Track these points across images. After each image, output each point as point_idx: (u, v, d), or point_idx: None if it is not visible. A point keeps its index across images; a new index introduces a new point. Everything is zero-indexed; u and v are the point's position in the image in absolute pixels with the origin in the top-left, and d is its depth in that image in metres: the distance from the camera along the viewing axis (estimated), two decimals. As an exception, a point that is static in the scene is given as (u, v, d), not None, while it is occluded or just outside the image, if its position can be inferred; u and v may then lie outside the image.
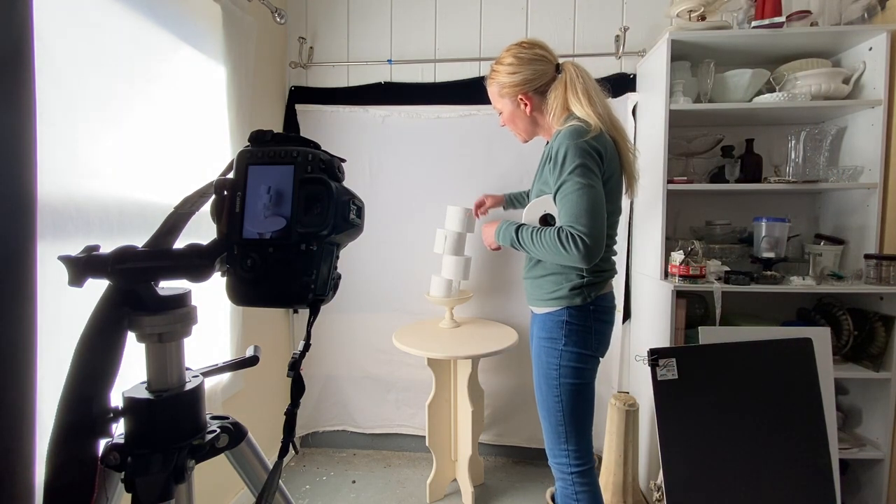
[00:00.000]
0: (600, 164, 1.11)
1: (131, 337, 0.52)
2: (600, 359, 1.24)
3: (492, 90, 1.29)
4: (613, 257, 1.28)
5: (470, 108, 2.05)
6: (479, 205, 1.75)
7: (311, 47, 2.13)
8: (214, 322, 1.56)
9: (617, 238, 1.28)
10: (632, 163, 1.24)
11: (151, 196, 1.24)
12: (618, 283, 1.98)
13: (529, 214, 1.24)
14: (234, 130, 1.60)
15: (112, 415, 0.50)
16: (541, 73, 1.21)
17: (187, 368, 0.57)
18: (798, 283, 1.60)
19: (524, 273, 1.33)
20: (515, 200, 1.72)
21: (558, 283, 1.20)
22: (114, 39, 1.15)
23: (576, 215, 1.06)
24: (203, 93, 1.50)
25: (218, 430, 0.57)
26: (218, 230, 0.52)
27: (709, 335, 1.48)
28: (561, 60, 1.25)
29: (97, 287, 0.51)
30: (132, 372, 0.57)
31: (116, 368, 0.50)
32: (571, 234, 1.05)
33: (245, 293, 0.51)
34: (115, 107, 1.15)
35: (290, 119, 2.13)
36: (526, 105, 1.24)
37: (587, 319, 1.19)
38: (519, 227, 1.19)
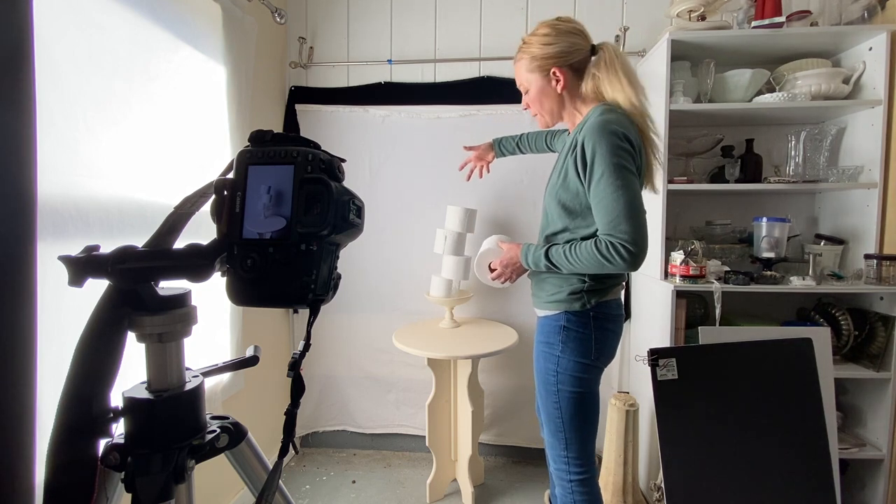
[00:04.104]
0: (634, 156, 1.05)
1: (131, 337, 0.52)
2: (603, 368, 1.19)
3: (520, 65, 1.18)
4: None
5: (470, 108, 2.05)
6: (476, 167, 1.67)
7: (311, 47, 2.13)
8: (214, 322, 1.56)
9: None
10: (654, 159, 1.17)
11: (151, 196, 1.24)
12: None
13: (480, 266, 1.38)
14: (234, 130, 1.60)
15: (112, 415, 0.50)
16: (577, 47, 1.12)
17: (187, 368, 0.57)
18: (798, 283, 1.60)
19: (529, 272, 1.28)
20: (504, 149, 1.62)
21: (558, 287, 1.15)
22: (113, 39, 1.15)
23: (612, 221, 1.01)
24: (203, 93, 1.50)
25: (218, 430, 0.57)
26: (218, 230, 0.52)
27: (709, 335, 1.48)
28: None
29: (97, 287, 0.51)
30: (132, 372, 0.57)
31: (116, 368, 0.50)
32: (612, 244, 1.01)
33: (245, 293, 0.51)
34: (115, 107, 1.15)
35: (290, 119, 2.13)
36: (558, 81, 1.13)
37: (587, 326, 1.14)
38: (548, 247, 1.13)
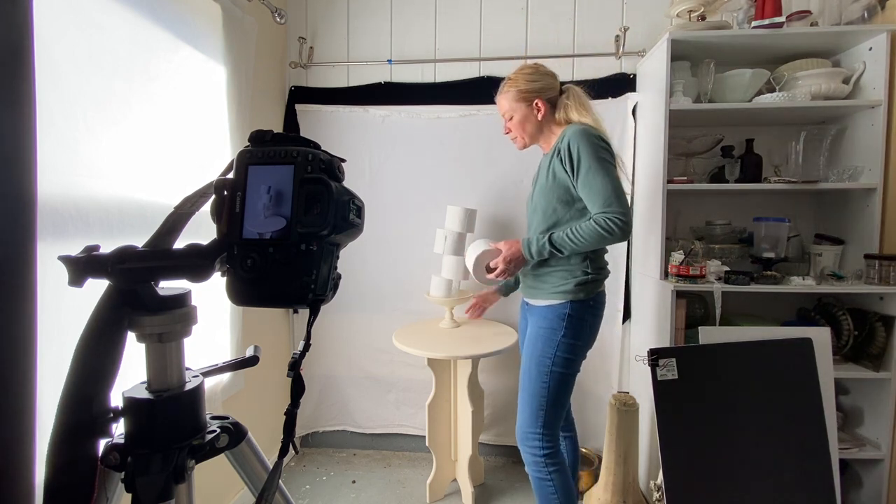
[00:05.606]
0: (612, 153, 1.28)
1: (131, 337, 0.52)
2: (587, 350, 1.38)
3: (507, 96, 1.41)
4: (606, 256, 1.41)
5: (470, 108, 2.05)
6: (479, 307, 1.85)
7: (311, 47, 2.13)
8: (214, 322, 1.55)
9: None
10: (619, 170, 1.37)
11: (151, 196, 1.24)
12: (618, 283, 1.99)
13: (477, 267, 1.47)
14: (234, 130, 1.60)
15: (112, 415, 0.50)
16: (552, 86, 1.40)
17: (187, 368, 0.57)
18: (798, 283, 1.60)
19: (526, 269, 1.41)
20: (507, 287, 1.77)
21: (565, 279, 1.32)
22: (114, 39, 1.15)
23: (606, 201, 1.22)
24: (203, 93, 1.50)
25: (218, 430, 0.57)
26: (218, 230, 0.52)
27: (709, 335, 1.48)
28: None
29: (97, 287, 0.51)
30: (132, 372, 0.57)
31: (116, 368, 0.50)
32: (609, 219, 1.21)
33: (245, 293, 0.51)
34: (115, 107, 1.14)
35: (290, 119, 2.13)
36: (539, 110, 1.38)
37: (586, 313, 1.32)
38: (549, 235, 1.30)
